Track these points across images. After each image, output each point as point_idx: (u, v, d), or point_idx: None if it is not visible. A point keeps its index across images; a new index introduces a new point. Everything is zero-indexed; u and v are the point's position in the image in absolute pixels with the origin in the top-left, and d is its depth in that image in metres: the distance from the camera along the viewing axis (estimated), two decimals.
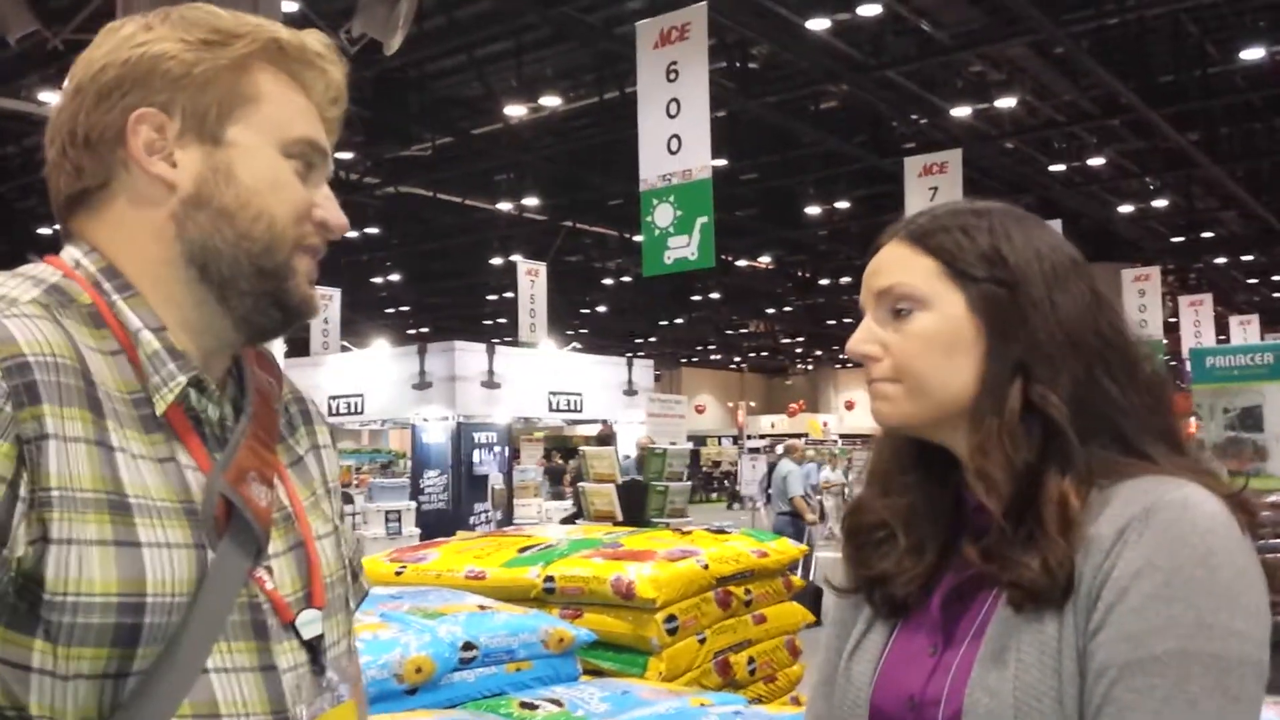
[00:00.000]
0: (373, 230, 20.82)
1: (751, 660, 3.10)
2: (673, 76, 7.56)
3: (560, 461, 19.02)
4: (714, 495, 30.07)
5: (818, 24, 11.65)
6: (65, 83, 1.01)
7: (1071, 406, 1.03)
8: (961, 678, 1.02)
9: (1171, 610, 0.93)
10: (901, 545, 1.13)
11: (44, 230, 17.20)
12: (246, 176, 0.99)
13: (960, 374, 1.07)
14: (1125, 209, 20.16)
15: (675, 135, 7.47)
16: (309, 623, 1.02)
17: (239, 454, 0.99)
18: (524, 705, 2.21)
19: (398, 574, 3.18)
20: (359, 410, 17.29)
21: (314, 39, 1.05)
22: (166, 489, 0.92)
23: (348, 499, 16.63)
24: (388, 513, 14.78)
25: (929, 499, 1.14)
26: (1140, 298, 18.21)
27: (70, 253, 1.00)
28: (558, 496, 17.30)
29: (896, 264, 1.12)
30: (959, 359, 1.07)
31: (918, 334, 1.08)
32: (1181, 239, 22.99)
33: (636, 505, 5.68)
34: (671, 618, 2.82)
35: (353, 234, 20.67)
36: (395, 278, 25.48)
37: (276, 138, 1.01)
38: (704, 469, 31.97)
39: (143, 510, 0.90)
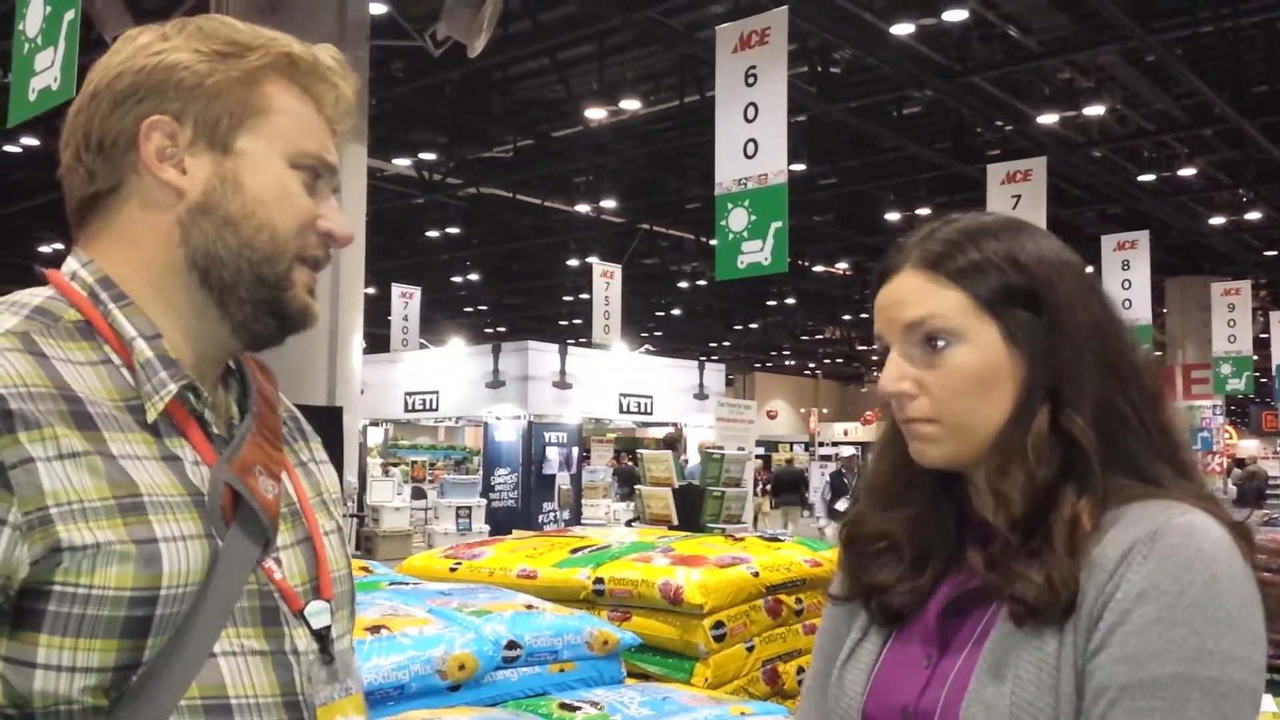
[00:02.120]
0: (454, 230, 21.09)
1: (801, 670, 3.07)
2: (751, 81, 7.52)
3: (630, 463, 19.03)
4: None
5: (902, 29, 11.51)
6: (83, 87, 1.03)
7: (1094, 429, 1.03)
8: (957, 691, 1.02)
9: (1173, 634, 0.94)
10: (906, 557, 1.13)
11: None
12: (253, 186, 1.01)
13: (999, 407, 1.06)
14: (1216, 221, 19.63)
15: (752, 139, 7.43)
16: (318, 613, 1.04)
17: (244, 448, 1.02)
18: (564, 706, 2.22)
19: (452, 570, 3.21)
20: (434, 407, 17.52)
21: (326, 54, 1.07)
22: (174, 485, 0.95)
23: (420, 494, 16.88)
24: (458, 508, 14.93)
25: (935, 512, 1.14)
26: (1230, 312, 17.69)
27: (69, 265, 1.03)
28: (627, 498, 17.32)
29: (922, 295, 1.09)
30: (997, 391, 1.06)
31: (958, 370, 1.07)
32: (1274, 253, 22.30)
33: (693, 510, 5.66)
34: (719, 624, 2.80)
35: (434, 234, 20.99)
36: (474, 277, 25.79)
37: (284, 149, 1.03)
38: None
39: (156, 507, 0.92)
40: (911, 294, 1.09)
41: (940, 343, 1.07)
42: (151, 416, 0.96)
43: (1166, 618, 0.94)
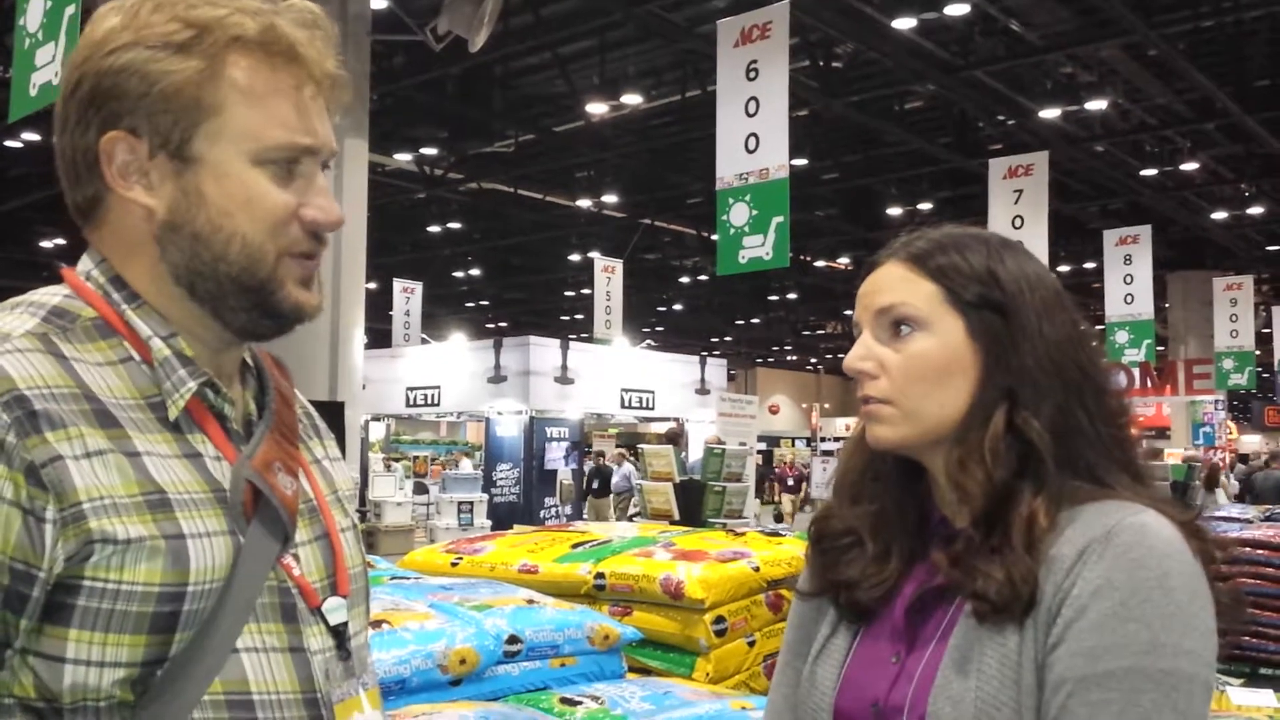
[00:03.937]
0: (455, 225, 21.09)
1: None
2: (752, 75, 7.51)
3: (632, 458, 19.08)
4: (775, 498, 29.86)
5: (904, 23, 11.51)
6: (61, 88, 1.01)
7: (1050, 432, 1.08)
8: (925, 686, 1.07)
9: (1127, 629, 0.98)
10: (869, 551, 1.17)
11: None
12: (216, 197, 0.97)
13: (955, 398, 1.11)
14: (1219, 215, 19.60)
15: (753, 134, 7.42)
16: (335, 609, 1.04)
17: (264, 445, 1.02)
18: (565, 701, 2.21)
19: (453, 565, 3.21)
20: (435, 402, 17.54)
21: (289, 19, 1.00)
22: (197, 481, 0.95)
23: (422, 489, 16.90)
24: (460, 503, 14.94)
25: (897, 507, 1.18)
26: (1232, 307, 17.68)
27: (84, 263, 1.02)
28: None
29: (898, 284, 1.14)
30: (954, 383, 1.11)
31: (918, 355, 1.12)
32: (1276, 247, 22.27)
33: (694, 505, 5.67)
34: (720, 619, 2.80)
35: (435, 229, 20.98)
36: (476, 272, 25.79)
37: (248, 148, 0.97)
38: (776, 470, 31.80)
39: (181, 503, 0.93)
40: (889, 282, 1.15)
41: (906, 328, 1.13)
42: (173, 414, 0.96)
43: (1120, 613, 0.98)
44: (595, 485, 16.54)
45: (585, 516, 15.58)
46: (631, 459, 17.11)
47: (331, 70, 1.02)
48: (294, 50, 0.99)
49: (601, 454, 17.63)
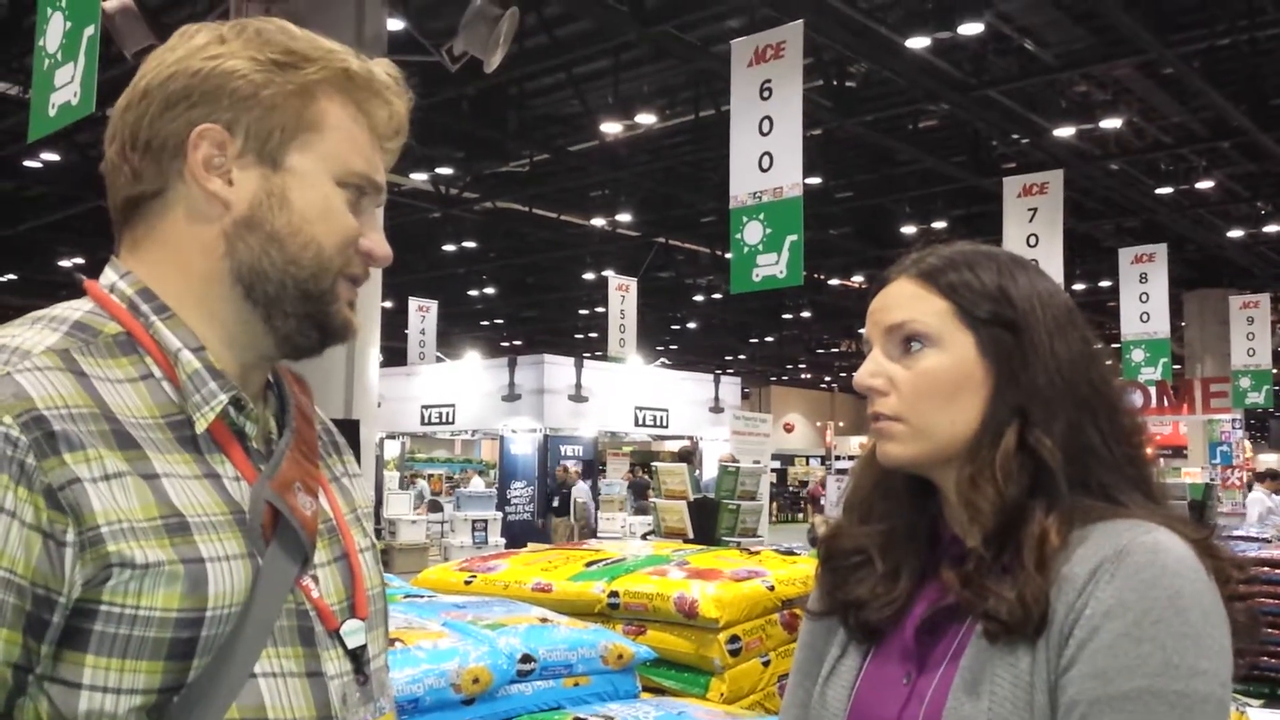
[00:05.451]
0: (470, 244, 21.15)
1: None
2: (766, 94, 7.52)
3: (645, 476, 18.99)
4: (800, 515, 29.79)
5: (917, 42, 11.50)
6: (134, 81, 1.01)
7: (1062, 451, 1.07)
8: (936, 707, 1.06)
9: (1140, 649, 0.97)
10: (878, 570, 1.16)
11: None
12: (300, 203, 1.00)
13: (966, 415, 1.10)
14: (1235, 234, 19.52)
15: (767, 153, 7.43)
16: (353, 632, 1.03)
17: (284, 465, 1.01)
18: None
19: (467, 583, 3.20)
20: (450, 420, 17.56)
21: (382, 70, 1.06)
22: (216, 503, 0.94)
23: (436, 507, 16.90)
24: (474, 521, 14.93)
25: (908, 526, 1.17)
26: (1249, 325, 17.58)
27: (108, 276, 1.01)
28: (642, 511, 17.27)
29: (908, 301, 1.14)
30: (964, 400, 1.11)
31: (928, 371, 1.11)
32: None
33: (708, 523, 5.66)
34: (735, 638, 2.78)
35: (450, 247, 21.06)
36: (490, 291, 25.85)
37: (333, 168, 1.01)
38: (790, 489, 31.70)
39: (200, 527, 0.92)
40: (899, 299, 1.15)
41: (916, 345, 1.12)
42: (201, 427, 0.96)
43: (1133, 633, 0.97)
44: (555, 503, 16.29)
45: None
46: (582, 478, 16.63)
47: (403, 129, 1.08)
48: (385, 96, 1.05)
49: (565, 469, 17.22)
